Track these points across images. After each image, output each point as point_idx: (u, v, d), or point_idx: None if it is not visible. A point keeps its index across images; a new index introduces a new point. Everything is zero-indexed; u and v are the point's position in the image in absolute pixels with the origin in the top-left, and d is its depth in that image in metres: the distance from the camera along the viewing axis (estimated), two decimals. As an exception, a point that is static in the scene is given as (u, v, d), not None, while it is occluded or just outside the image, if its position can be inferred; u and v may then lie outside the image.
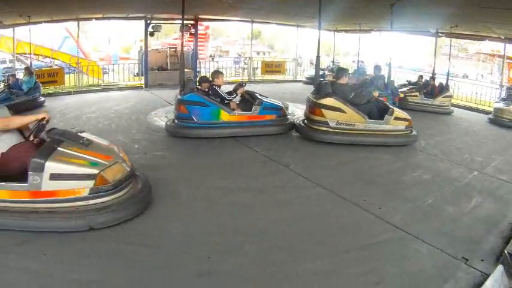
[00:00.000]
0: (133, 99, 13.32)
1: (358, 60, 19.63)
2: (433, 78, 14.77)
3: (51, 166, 3.97)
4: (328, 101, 8.01)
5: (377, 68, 12.07)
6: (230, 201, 5.06)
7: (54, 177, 3.99)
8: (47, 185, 3.98)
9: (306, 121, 8.57)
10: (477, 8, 9.12)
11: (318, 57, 9.00)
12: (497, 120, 12.01)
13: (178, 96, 8.25)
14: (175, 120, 8.38)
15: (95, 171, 4.13)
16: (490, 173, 6.74)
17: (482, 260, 3.81)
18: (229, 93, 8.41)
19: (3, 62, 24.47)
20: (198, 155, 7.20)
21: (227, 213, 4.71)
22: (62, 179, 4.00)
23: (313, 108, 8.19)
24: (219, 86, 8.43)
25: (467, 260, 3.78)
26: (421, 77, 15.24)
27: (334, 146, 7.85)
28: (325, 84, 8.29)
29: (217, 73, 8.75)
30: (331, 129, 8.04)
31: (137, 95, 14.36)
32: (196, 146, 7.65)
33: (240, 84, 8.74)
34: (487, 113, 13.37)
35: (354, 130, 8.08)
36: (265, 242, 4.05)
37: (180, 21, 17.34)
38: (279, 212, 4.80)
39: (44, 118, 4.48)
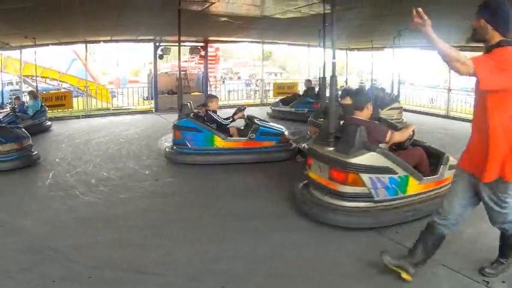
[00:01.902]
0: (143, 123, 13.47)
1: (371, 79, 19.65)
2: (382, 90, 14.75)
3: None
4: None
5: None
6: (242, 227, 5.07)
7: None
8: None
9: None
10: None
11: (323, 78, 8.88)
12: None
13: (174, 122, 8.34)
14: (174, 146, 8.43)
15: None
16: None
17: (503, 282, 3.76)
18: (227, 118, 8.38)
19: (10, 83, 24.79)
20: (210, 181, 7.24)
21: (239, 239, 4.72)
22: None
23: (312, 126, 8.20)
24: (214, 111, 8.39)
25: (487, 282, 3.74)
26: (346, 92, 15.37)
27: None
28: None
29: (210, 97, 8.77)
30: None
31: (147, 120, 14.52)
32: (208, 172, 7.71)
33: (239, 109, 8.73)
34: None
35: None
36: (275, 269, 4.04)
37: (190, 44, 17.73)
38: (290, 237, 4.79)
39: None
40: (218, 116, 8.32)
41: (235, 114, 8.53)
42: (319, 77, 9.02)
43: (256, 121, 8.57)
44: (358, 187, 4.83)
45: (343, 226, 4.86)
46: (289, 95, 16.69)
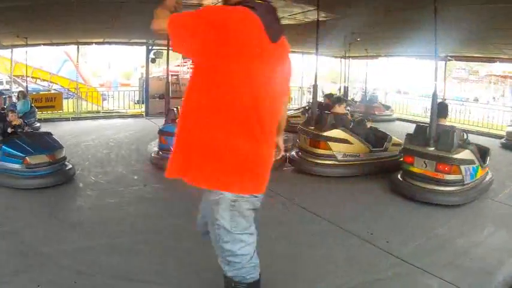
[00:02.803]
0: (133, 127, 13.44)
1: (365, 87, 19.73)
2: (327, 96, 14.74)
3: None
4: (335, 133, 7.84)
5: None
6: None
7: None
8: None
9: (302, 154, 8.27)
10: (487, 30, 9.27)
11: (315, 85, 8.69)
12: (510, 144, 12.03)
13: (160, 127, 8.34)
14: (159, 152, 8.39)
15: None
16: (503, 201, 6.73)
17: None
18: None
19: (0, 83, 24.64)
20: (197, 188, 7.15)
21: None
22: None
23: (316, 140, 7.92)
24: None
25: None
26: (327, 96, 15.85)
27: (334, 178, 7.84)
28: (327, 115, 8.12)
29: None
30: (337, 163, 7.88)
31: (137, 124, 14.50)
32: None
33: None
34: (499, 137, 13.39)
35: (358, 161, 8.06)
36: (267, 276, 4.02)
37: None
38: (281, 246, 4.76)
39: None
40: None
41: None
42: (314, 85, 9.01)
43: None
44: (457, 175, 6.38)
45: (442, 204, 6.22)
46: None
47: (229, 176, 2.38)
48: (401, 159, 7.28)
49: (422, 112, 20.01)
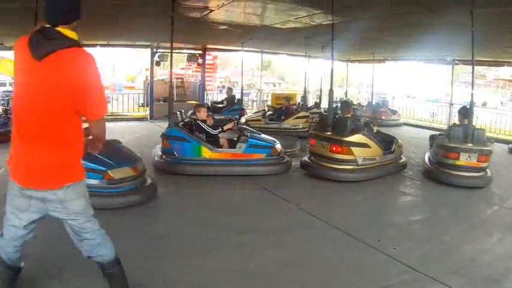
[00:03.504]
0: (137, 131, 13.47)
1: (372, 92, 19.72)
2: (286, 99, 15.35)
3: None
4: (357, 137, 7.92)
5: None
6: (237, 242, 5.03)
7: None
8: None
9: (318, 159, 8.25)
10: (495, 33, 9.25)
11: (331, 90, 8.55)
12: (518, 149, 12.05)
13: (163, 131, 8.38)
14: (162, 156, 8.40)
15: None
16: (511, 207, 6.70)
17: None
18: (215, 128, 8.29)
19: (3, 84, 24.61)
20: (205, 192, 7.20)
21: (233, 255, 4.68)
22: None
23: (337, 145, 7.87)
24: (203, 120, 8.36)
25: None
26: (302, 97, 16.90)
27: (343, 183, 7.88)
28: (346, 120, 8.10)
29: (198, 106, 8.74)
30: (357, 167, 7.94)
31: (142, 127, 14.52)
32: (199, 183, 7.69)
33: (230, 119, 8.76)
34: (507, 142, 13.36)
35: (375, 164, 8.19)
36: (269, 285, 4.02)
37: (188, 51, 17.79)
38: (288, 253, 4.76)
39: None
40: (207, 125, 8.26)
41: (225, 124, 8.47)
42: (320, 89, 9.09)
43: (246, 133, 8.52)
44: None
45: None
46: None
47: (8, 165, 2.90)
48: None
49: (429, 117, 19.95)
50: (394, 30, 10.39)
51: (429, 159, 8.85)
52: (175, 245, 4.82)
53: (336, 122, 8.28)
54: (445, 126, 17.11)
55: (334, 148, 7.89)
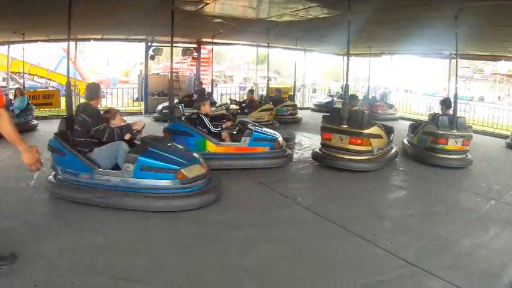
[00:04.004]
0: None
1: (368, 86, 19.71)
2: (251, 91, 15.18)
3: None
4: (374, 129, 8.36)
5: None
6: (231, 236, 5.03)
7: None
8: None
9: (334, 151, 8.45)
10: (491, 27, 9.26)
11: (346, 85, 9.02)
12: (515, 144, 12.11)
13: (165, 125, 8.36)
14: None
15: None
16: (509, 202, 6.70)
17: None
18: (216, 126, 8.26)
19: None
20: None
21: (228, 249, 4.68)
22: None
23: (357, 137, 8.16)
24: (206, 114, 8.36)
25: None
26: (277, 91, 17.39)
27: (340, 176, 7.97)
28: (363, 113, 8.50)
29: (202, 100, 8.69)
30: (373, 157, 8.35)
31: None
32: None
33: (228, 117, 8.75)
34: (504, 137, 13.39)
35: (383, 153, 8.80)
36: (266, 280, 4.02)
37: (183, 45, 17.73)
38: (283, 247, 4.77)
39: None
40: (209, 121, 8.24)
41: (224, 123, 8.42)
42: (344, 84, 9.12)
43: (249, 126, 8.54)
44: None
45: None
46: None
47: None
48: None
49: (425, 111, 19.94)
50: (390, 24, 10.37)
51: (409, 143, 10.25)
52: (172, 242, 4.83)
53: (352, 115, 8.46)
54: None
55: (353, 140, 8.21)
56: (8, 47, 14.98)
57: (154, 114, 15.48)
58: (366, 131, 8.18)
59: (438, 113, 10.00)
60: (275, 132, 8.84)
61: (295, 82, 18.83)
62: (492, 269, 4.26)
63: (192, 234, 5.03)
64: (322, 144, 8.83)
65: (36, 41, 15.32)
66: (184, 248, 4.65)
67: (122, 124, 6.41)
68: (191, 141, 7.96)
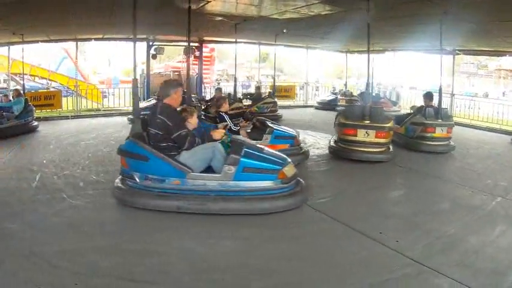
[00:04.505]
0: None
1: (372, 82, 19.65)
2: (219, 89, 14.78)
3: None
4: (391, 123, 9.15)
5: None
6: (236, 236, 5.01)
7: None
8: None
9: (357, 145, 8.93)
10: (495, 22, 9.22)
11: (368, 83, 10.21)
12: (522, 141, 12.15)
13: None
14: None
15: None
16: (515, 199, 6.67)
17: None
18: (236, 124, 8.36)
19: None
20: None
21: (232, 248, 4.68)
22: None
23: (382, 131, 8.85)
24: (226, 112, 8.44)
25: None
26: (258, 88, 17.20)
27: (344, 174, 8.10)
28: (382, 110, 9.63)
29: (221, 99, 8.78)
30: (388, 148, 9.21)
31: (138, 121, 14.42)
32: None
33: (246, 117, 9.03)
34: (509, 133, 13.39)
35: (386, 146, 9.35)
36: (273, 279, 4.01)
37: (184, 44, 17.72)
38: (289, 247, 4.75)
39: None
40: (229, 118, 8.31)
41: (239, 121, 8.69)
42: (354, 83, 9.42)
43: (269, 124, 8.69)
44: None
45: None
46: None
47: None
48: None
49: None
50: (393, 20, 10.34)
51: (395, 134, 10.34)
52: (172, 240, 4.82)
53: (373, 112, 9.12)
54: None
55: (379, 134, 8.89)
56: (9, 48, 15.01)
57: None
58: (388, 125, 8.95)
59: (423, 105, 10.89)
60: (293, 130, 8.98)
61: (274, 80, 18.95)
62: (499, 267, 4.23)
63: (198, 232, 5.04)
64: (342, 139, 9.19)
65: (37, 41, 15.33)
66: (188, 247, 4.64)
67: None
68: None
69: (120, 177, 6.18)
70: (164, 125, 5.66)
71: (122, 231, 5.06)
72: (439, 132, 10.10)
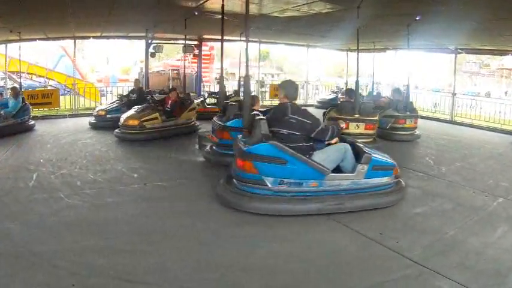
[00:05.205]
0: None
1: (373, 82, 19.67)
2: (173, 89, 12.73)
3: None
4: (377, 116, 10.81)
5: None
6: (235, 235, 5.02)
7: None
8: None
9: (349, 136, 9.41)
10: (497, 21, 9.22)
11: (357, 82, 10.51)
12: (524, 141, 12.24)
13: (218, 122, 8.38)
14: (214, 147, 8.49)
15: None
16: (517, 200, 6.67)
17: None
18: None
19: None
20: (202, 186, 7.10)
21: (232, 248, 4.68)
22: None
23: (371, 124, 10.32)
24: (259, 110, 8.44)
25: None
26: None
27: None
28: (368, 105, 10.81)
29: (254, 98, 8.82)
30: (374, 139, 10.54)
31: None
32: (202, 176, 7.72)
33: None
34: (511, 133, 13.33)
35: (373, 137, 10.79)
36: (271, 279, 4.01)
37: (183, 42, 17.71)
38: (288, 246, 4.76)
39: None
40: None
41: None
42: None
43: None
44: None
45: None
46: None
47: None
48: None
49: (431, 107, 19.87)
50: (394, 18, 10.33)
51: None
52: (170, 240, 4.82)
53: (362, 107, 10.40)
54: (448, 117, 17.14)
55: (368, 126, 10.26)
56: (6, 46, 14.99)
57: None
58: (375, 118, 10.39)
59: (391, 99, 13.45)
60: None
61: (240, 77, 18.82)
62: (501, 268, 4.24)
63: (195, 232, 5.04)
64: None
65: (34, 39, 15.31)
66: (184, 249, 4.64)
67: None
68: None
69: (222, 181, 6.26)
70: (301, 125, 5.68)
71: (120, 231, 5.06)
72: (408, 123, 11.81)
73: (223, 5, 8.54)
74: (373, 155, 5.94)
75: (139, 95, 13.27)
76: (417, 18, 9.47)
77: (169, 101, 11.87)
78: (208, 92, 16.83)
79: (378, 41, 16.47)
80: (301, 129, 5.66)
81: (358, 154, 5.97)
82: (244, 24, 7.06)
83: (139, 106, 11.29)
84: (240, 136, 6.36)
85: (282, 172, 5.54)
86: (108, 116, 12.57)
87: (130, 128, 10.58)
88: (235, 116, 8.21)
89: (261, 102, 9.14)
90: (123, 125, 10.66)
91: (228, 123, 8.22)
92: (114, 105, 13.11)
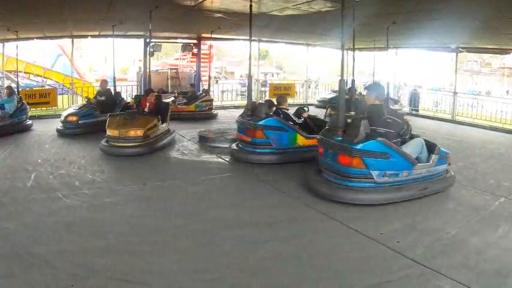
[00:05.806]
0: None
1: (373, 80, 19.69)
2: (151, 90, 11.87)
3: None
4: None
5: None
6: (234, 236, 5.02)
7: None
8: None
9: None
10: (499, 20, 9.22)
11: (353, 80, 9.53)
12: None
13: (251, 121, 8.50)
14: (240, 145, 8.77)
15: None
16: (518, 199, 6.68)
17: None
18: (298, 118, 8.82)
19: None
20: (201, 185, 7.17)
21: (231, 248, 4.69)
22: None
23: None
24: (287, 109, 8.87)
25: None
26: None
27: None
28: (364, 102, 10.13)
29: (282, 97, 9.39)
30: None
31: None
32: (201, 174, 7.74)
33: (302, 109, 9.26)
34: (513, 132, 13.38)
35: None
36: (271, 279, 4.02)
37: (182, 40, 17.72)
38: (288, 247, 4.76)
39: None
40: (292, 114, 8.81)
41: (300, 113, 9.08)
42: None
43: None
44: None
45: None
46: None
47: None
48: None
49: (432, 106, 19.86)
50: (395, 17, 10.34)
51: None
52: (170, 241, 4.83)
53: (357, 104, 10.75)
54: (449, 116, 17.14)
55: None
56: (3, 45, 14.98)
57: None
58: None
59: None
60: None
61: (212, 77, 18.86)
62: (502, 268, 4.24)
63: (193, 232, 5.05)
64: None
65: (32, 38, 15.29)
66: (183, 249, 4.64)
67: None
68: (285, 135, 8.44)
69: (313, 176, 6.84)
70: (395, 124, 6.41)
71: (118, 231, 5.07)
72: None
73: (251, 5, 8.82)
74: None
75: (108, 98, 12.64)
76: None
77: (147, 104, 10.72)
78: (179, 92, 16.78)
79: (378, 39, 16.47)
80: (396, 128, 6.41)
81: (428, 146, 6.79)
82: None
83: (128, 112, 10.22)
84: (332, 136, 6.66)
85: (386, 165, 6.20)
86: (80, 122, 11.53)
87: (131, 141, 9.28)
88: (267, 115, 8.42)
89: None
90: (125, 136, 9.28)
91: (261, 122, 8.36)
92: (84, 109, 11.88)
